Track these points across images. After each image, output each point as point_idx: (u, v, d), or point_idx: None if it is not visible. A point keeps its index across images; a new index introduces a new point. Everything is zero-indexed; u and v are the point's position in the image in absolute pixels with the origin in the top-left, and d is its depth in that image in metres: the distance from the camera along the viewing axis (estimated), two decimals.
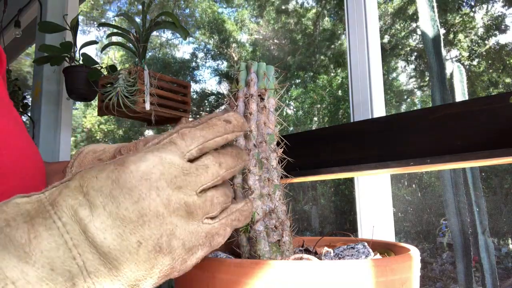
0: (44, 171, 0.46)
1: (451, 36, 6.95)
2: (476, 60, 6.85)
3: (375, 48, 1.10)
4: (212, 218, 0.30)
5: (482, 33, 6.81)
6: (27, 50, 3.72)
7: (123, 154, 0.41)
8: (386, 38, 7.68)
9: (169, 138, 0.30)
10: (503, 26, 6.55)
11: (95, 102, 1.75)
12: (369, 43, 1.09)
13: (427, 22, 2.10)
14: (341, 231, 0.65)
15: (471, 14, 7.05)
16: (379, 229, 1.00)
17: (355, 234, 0.91)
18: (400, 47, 7.80)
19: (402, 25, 7.71)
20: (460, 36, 6.93)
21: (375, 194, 1.02)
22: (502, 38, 6.68)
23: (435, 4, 2.09)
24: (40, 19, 2.04)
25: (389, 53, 7.66)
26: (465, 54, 6.87)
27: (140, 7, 1.52)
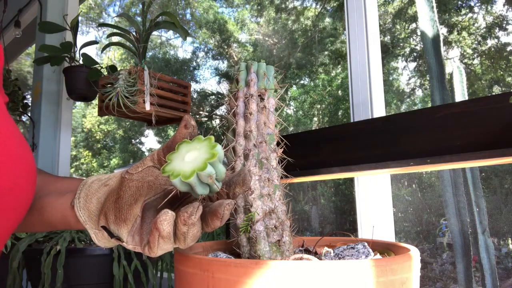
0: (34, 169, 0.43)
1: (451, 36, 6.95)
2: (476, 60, 6.85)
3: (375, 48, 1.10)
4: None
5: (482, 32, 6.81)
6: (27, 50, 3.72)
7: (131, 173, 0.43)
8: (386, 38, 7.68)
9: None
10: (504, 25, 6.55)
11: (95, 102, 1.75)
12: (369, 43, 1.09)
13: (427, 22, 2.10)
14: (341, 231, 0.65)
15: (471, 14, 7.05)
16: (379, 229, 1.00)
17: (355, 234, 0.91)
18: (400, 46, 7.80)
19: (402, 25, 7.72)
20: (460, 36, 6.93)
21: (375, 194, 1.02)
22: (503, 38, 6.69)
23: (434, 5, 2.09)
24: (40, 19, 2.04)
25: (391, 52, 7.65)
26: (465, 54, 6.87)
27: (140, 6, 1.52)
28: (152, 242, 0.38)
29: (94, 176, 0.47)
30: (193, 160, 0.36)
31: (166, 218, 0.36)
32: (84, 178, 0.48)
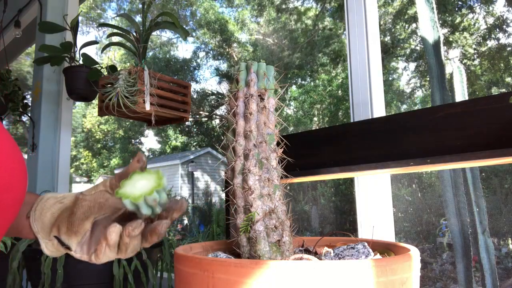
0: (26, 169, 0.44)
1: (452, 36, 6.95)
2: (476, 61, 6.84)
3: (375, 48, 1.10)
4: None
5: (482, 33, 6.80)
6: (27, 50, 3.72)
7: (85, 195, 0.50)
8: (387, 39, 7.68)
9: None
10: (504, 26, 6.55)
11: (95, 102, 1.75)
12: (369, 43, 1.09)
13: (427, 23, 2.10)
14: (341, 231, 0.65)
15: (471, 15, 7.04)
16: (379, 229, 1.00)
17: (355, 234, 0.91)
18: (400, 47, 7.80)
19: (402, 25, 7.71)
20: (462, 36, 6.93)
21: (375, 194, 1.02)
22: (502, 39, 6.68)
23: (434, 6, 2.08)
24: (40, 19, 2.04)
25: (391, 52, 7.65)
26: (466, 54, 6.86)
27: (140, 6, 1.52)
28: (99, 250, 0.46)
29: (50, 194, 0.53)
30: (143, 186, 0.45)
31: (115, 230, 0.44)
32: (37, 194, 0.55)
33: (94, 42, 1.77)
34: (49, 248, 0.50)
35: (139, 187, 0.44)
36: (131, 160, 0.50)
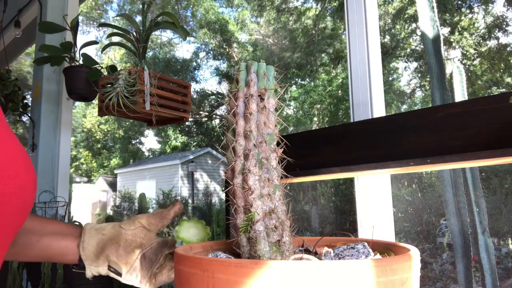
0: (35, 174, 0.45)
1: (452, 36, 6.95)
2: (476, 61, 6.84)
3: (375, 48, 1.10)
4: None
5: (482, 33, 6.80)
6: (27, 50, 3.72)
7: (126, 229, 0.63)
8: (386, 39, 7.68)
9: None
10: (504, 26, 6.55)
11: (95, 102, 1.75)
12: (369, 43, 1.09)
13: (427, 22, 2.10)
14: (341, 231, 0.65)
15: (471, 14, 7.04)
16: (379, 229, 1.00)
17: (355, 234, 0.91)
18: (400, 47, 7.79)
19: (402, 25, 7.71)
20: (462, 36, 6.93)
21: (375, 194, 1.02)
22: (502, 39, 6.68)
23: (435, 5, 2.08)
24: (40, 19, 2.04)
25: (391, 53, 7.65)
26: (467, 54, 6.86)
27: (141, 6, 1.52)
28: (158, 281, 0.61)
29: (90, 225, 0.65)
30: (196, 234, 0.61)
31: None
32: (76, 223, 0.65)
33: (94, 42, 1.77)
34: (92, 272, 0.62)
35: (193, 234, 0.61)
36: (171, 207, 0.66)
